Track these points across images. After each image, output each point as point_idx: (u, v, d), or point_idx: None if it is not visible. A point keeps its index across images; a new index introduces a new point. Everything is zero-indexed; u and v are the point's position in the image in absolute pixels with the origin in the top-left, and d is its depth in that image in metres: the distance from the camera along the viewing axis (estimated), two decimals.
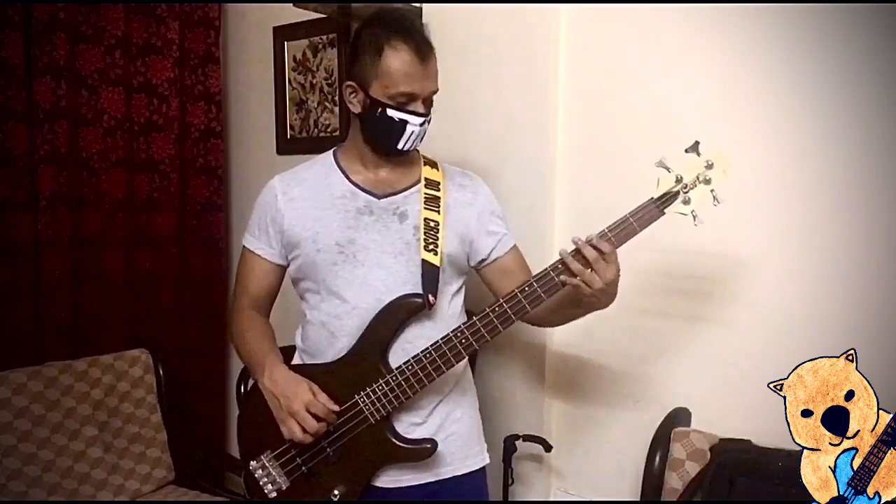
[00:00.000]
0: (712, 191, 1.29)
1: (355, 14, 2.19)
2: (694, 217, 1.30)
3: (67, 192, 2.24)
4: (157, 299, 2.52)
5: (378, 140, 1.43)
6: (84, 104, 2.29)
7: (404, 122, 1.38)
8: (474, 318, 1.36)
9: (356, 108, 1.42)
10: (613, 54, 1.84)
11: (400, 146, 1.41)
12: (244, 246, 1.54)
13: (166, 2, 2.46)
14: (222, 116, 2.69)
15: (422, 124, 1.39)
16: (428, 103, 1.41)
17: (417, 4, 2.02)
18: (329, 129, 2.44)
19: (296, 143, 2.54)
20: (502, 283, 1.52)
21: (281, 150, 2.59)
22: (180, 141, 2.55)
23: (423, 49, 1.36)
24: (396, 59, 1.34)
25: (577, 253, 1.31)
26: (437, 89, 1.41)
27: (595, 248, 1.29)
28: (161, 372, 2.37)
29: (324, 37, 2.41)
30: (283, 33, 2.52)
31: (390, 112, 1.37)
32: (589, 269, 1.30)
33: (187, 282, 2.61)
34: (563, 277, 1.32)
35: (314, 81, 2.46)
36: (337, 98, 2.40)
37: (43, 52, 2.15)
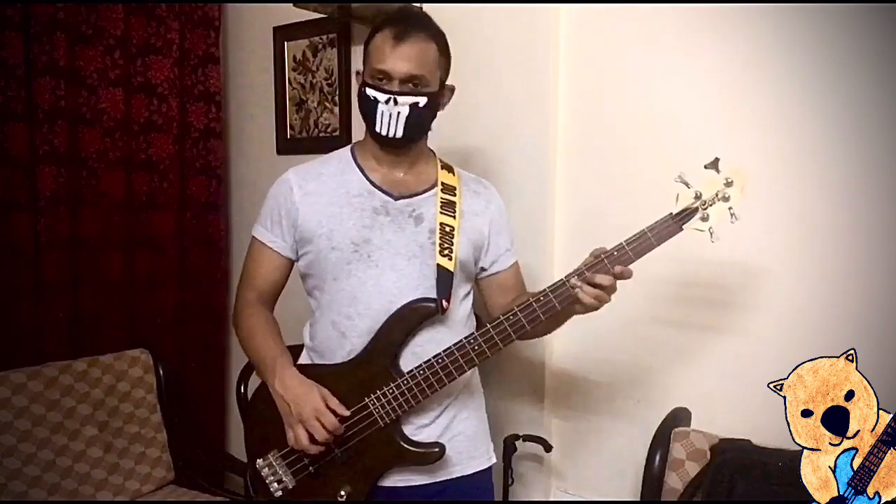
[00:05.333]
0: (730, 208, 1.29)
1: (355, 14, 2.20)
2: (711, 234, 1.30)
3: (67, 192, 2.24)
4: (157, 299, 2.52)
5: (365, 123, 1.45)
6: (84, 104, 2.28)
7: (375, 102, 1.39)
8: (488, 326, 1.36)
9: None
10: (614, 54, 1.84)
11: (377, 129, 1.40)
12: (254, 237, 1.53)
13: (166, 2, 2.46)
14: (222, 116, 2.68)
15: (387, 102, 1.38)
16: (407, 86, 1.38)
17: (418, 4, 2.02)
18: (329, 129, 2.44)
19: (296, 143, 2.54)
20: (496, 296, 1.54)
21: (281, 150, 2.59)
22: (180, 141, 2.54)
23: (403, 31, 1.37)
24: (378, 39, 1.39)
25: (587, 281, 1.31)
26: (419, 74, 1.38)
27: (618, 275, 1.31)
28: (161, 372, 2.37)
29: (324, 37, 2.41)
30: (283, 33, 2.52)
31: (367, 90, 1.40)
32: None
33: (187, 282, 2.60)
34: (573, 281, 1.32)
35: (314, 81, 2.46)
36: (337, 98, 2.40)
37: (43, 52, 2.14)
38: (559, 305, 1.34)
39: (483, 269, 1.55)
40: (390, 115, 1.39)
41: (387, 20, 1.41)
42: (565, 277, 1.34)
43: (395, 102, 1.38)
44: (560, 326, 1.49)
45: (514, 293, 1.54)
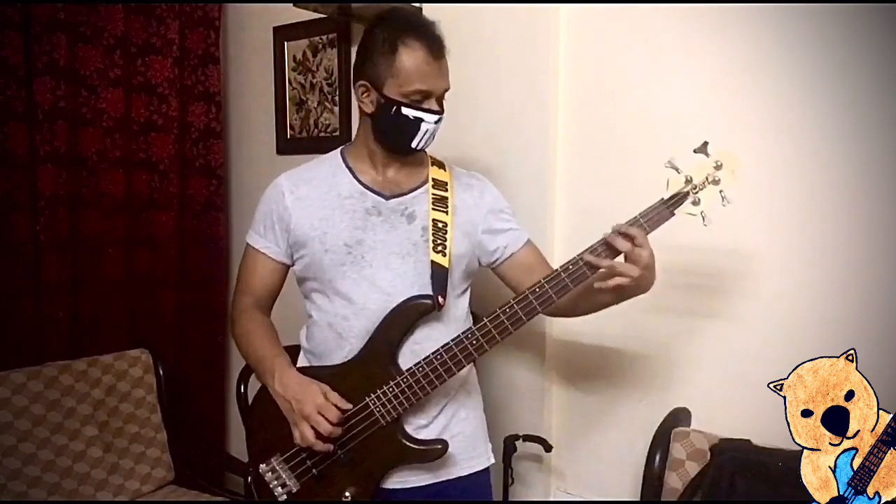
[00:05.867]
0: (721, 191, 1.29)
1: (355, 14, 2.20)
2: (703, 217, 1.30)
3: (67, 192, 2.24)
4: (157, 299, 2.52)
5: (392, 139, 1.43)
6: (84, 104, 2.29)
7: (419, 121, 1.38)
8: (485, 320, 1.36)
9: (369, 108, 1.42)
10: (613, 54, 1.84)
11: (414, 144, 1.41)
12: (248, 244, 1.53)
13: (166, 2, 2.46)
14: (222, 116, 2.69)
15: (436, 122, 1.39)
16: (441, 101, 1.41)
17: (417, 4, 2.02)
18: (329, 129, 2.44)
19: (296, 143, 2.54)
20: (523, 278, 1.49)
21: (281, 150, 2.59)
22: (180, 141, 2.55)
23: (436, 47, 1.37)
24: (411, 57, 1.35)
25: (606, 247, 1.31)
26: (450, 87, 1.42)
27: (626, 235, 1.29)
28: (161, 372, 2.37)
29: (324, 37, 2.41)
30: (283, 33, 2.52)
31: (405, 110, 1.37)
32: (623, 260, 1.30)
33: (187, 282, 2.60)
34: (588, 265, 1.31)
35: (314, 81, 2.46)
36: (337, 98, 2.40)
37: (43, 52, 2.15)
38: (555, 297, 1.34)
39: (498, 258, 1.53)
40: (431, 132, 1.41)
41: (407, 33, 1.35)
42: (560, 268, 1.34)
43: (441, 121, 1.40)
44: (601, 305, 1.45)
45: (540, 270, 1.46)
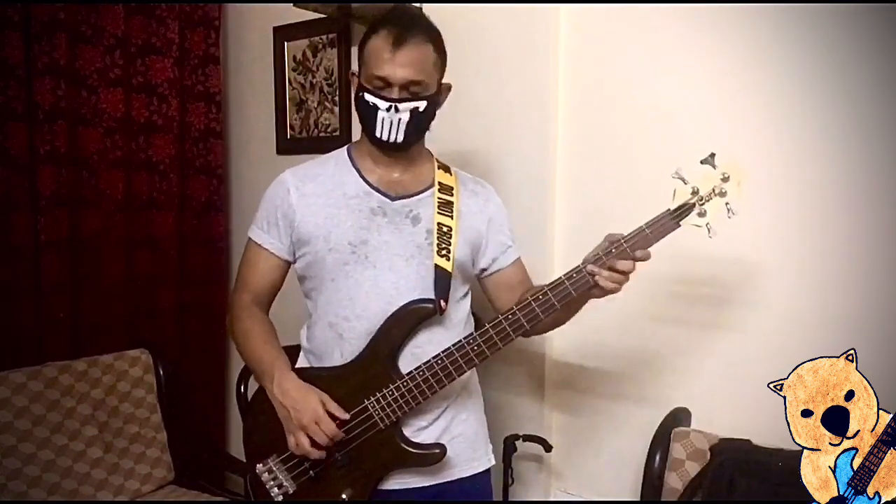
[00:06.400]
0: (727, 203, 1.28)
1: (355, 14, 2.20)
2: (709, 229, 1.29)
3: (67, 193, 2.24)
4: (157, 299, 2.52)
5: (363, 128, 1.44)
6: (84, 104, 2.29)
7: (375, 108, 1.37)
8: (487, 326, 1.35)
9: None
10: (614, 54, 1.84)
11: (377, 134, 1.40)
12: (250, 239, 1.52)
13: (166, 2, 2.47)
14: (222, 116, 2.69)
15: (388, 109, 1.37)
16: (406, 92, 1.37)
17: (418, 4, 2.02)
18: (329, 129, 2.44)
19: (296, 143, 2.54)
20: (501, 294, 1.53)
21: (281, 150, 2.59)
22: (180, 141, 2.55)
23: (401, 35, 1.35)
24: (375, 43, 1.37)
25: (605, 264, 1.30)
26: (415, 79, 1.37)
27: (633, 259, 1.30)
28: (161, 372, 2.37)
29: (324, 37, 2.41)
30: (283, 33, 2.52)
31: (367, 96, 1.38)
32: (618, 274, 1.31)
33: (187, 282, 2.61)
34: (588, 271, 1.31)
35: (314, 81, 2.47)
36: (337, 98, 2.41)
37: (43, 52, 2.15)
38: (558, 305, 1.33)
39: (484, 269, 1.54)
40: (391, 122, 1.38)
41: (382, 22, 1.38)
42: (564, 276, 1.33)
43: (397, 110, 1.37)
44: (568, 320, 1.47)
45: (521, 289, 1.51)
